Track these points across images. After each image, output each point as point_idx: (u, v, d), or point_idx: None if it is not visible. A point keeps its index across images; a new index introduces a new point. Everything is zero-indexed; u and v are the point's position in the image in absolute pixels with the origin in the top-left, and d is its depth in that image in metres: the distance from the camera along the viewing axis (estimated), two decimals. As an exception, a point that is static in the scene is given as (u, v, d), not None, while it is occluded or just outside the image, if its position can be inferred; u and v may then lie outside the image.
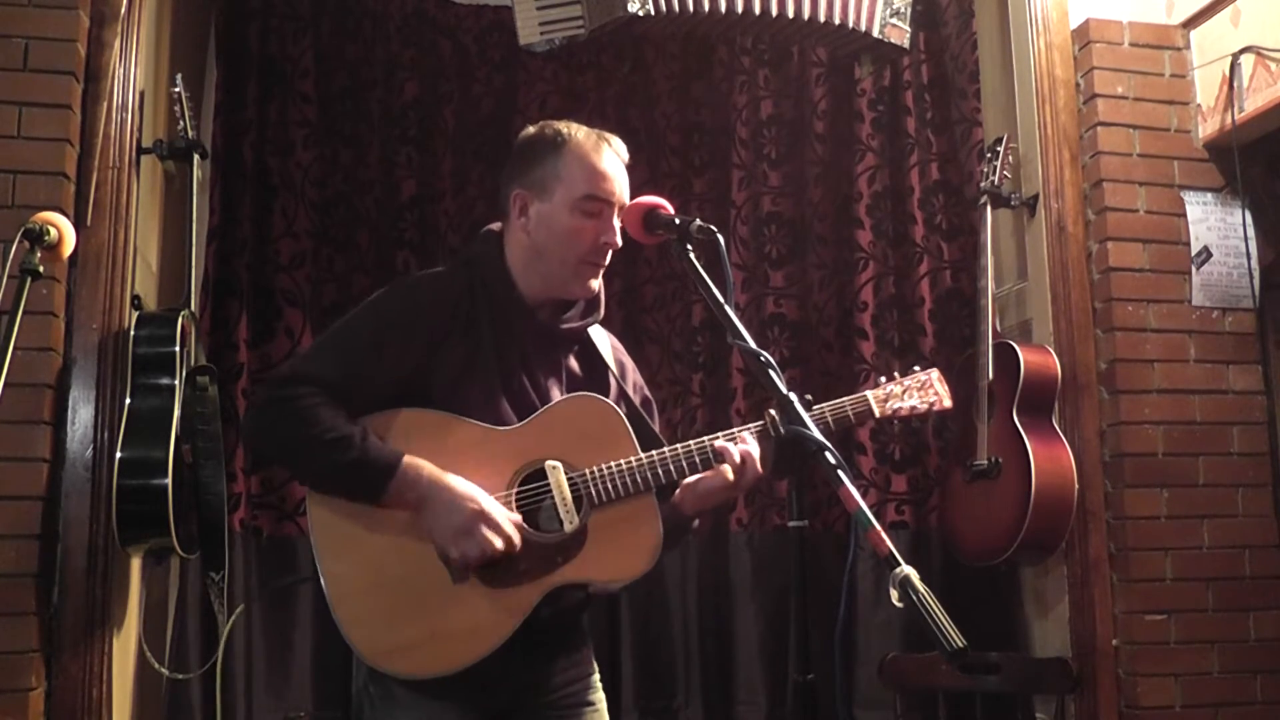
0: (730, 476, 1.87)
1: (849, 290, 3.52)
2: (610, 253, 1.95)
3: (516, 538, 1.79)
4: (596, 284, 1.97)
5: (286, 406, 1.82)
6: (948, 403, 2.08)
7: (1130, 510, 2.97)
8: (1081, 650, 2.96)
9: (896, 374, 2.08)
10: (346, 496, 1.82)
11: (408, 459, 1.79)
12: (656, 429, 2.05)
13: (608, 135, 1.98)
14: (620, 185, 1.94)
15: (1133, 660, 2.91)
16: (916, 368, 2.11)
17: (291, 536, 3.18)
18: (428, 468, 1.80)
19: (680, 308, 3.51)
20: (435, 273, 2.03)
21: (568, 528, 1.83)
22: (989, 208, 3.17)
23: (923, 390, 2.06)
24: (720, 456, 1.87)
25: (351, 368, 1.85)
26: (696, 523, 2.04)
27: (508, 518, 1.79)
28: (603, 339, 2.06)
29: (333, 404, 1.81)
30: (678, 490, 1.95)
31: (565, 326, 1.97)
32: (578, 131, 1.95)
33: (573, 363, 2.00)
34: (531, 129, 2.01)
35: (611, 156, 1.94)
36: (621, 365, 2.08)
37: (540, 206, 1.92)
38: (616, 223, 1.93)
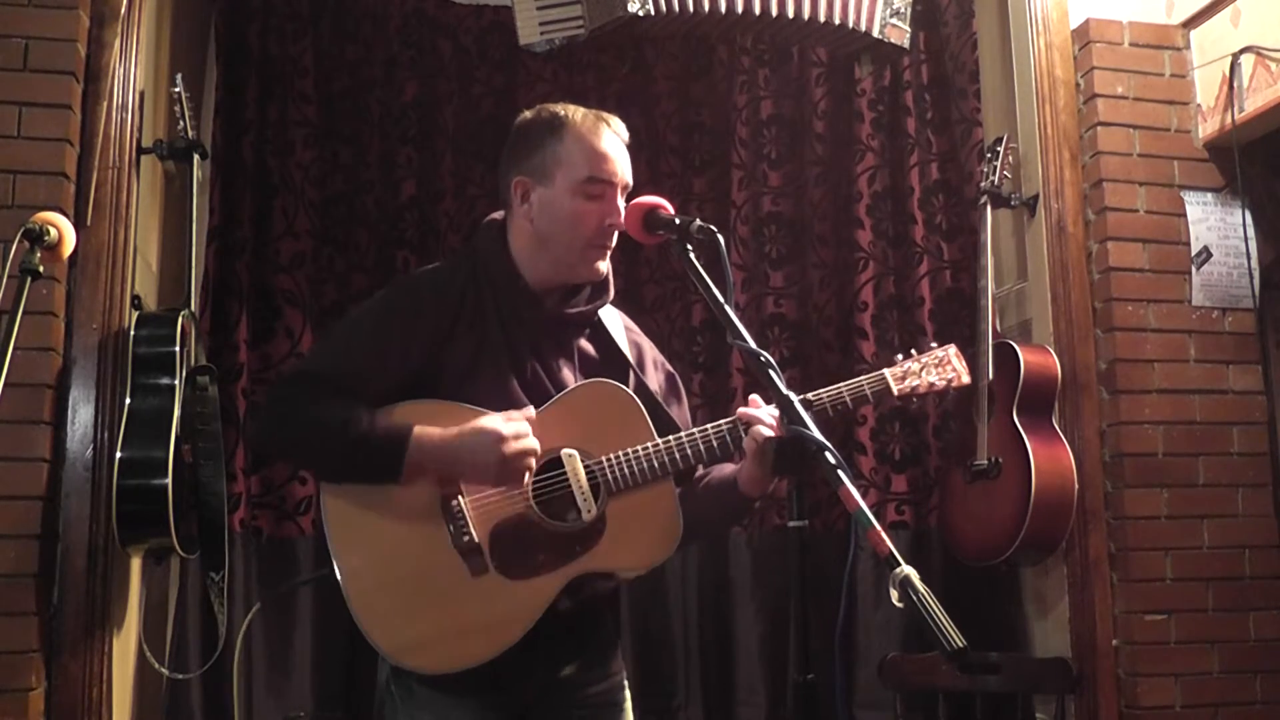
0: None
1: (849, 290, 3.51)
2: (616, 234, 1.91)
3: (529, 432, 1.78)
4: (604, 266, 1.93)
5: (291, 401, 1.81)
6: (966, 379, 2.01)
7: (1130, 510, 2.97)
8: (1081, 650, 2.96)
9: (914, 351, 2.02)
10: (364, 479, 1.79)
11: (417, 428, 1.76)
12: (684, 400, 2.03)
13: (606, 115, 1.94)
14: (622, 165, 1.90)
15: (1133, 660, 2.91)
16: (934, 344, 2.05)
17: (291, 537, 3.18)
18: (438, 430, 1.77)
19: (680, 308, 3.50)
20: (438, 267, 2.01)
21: (586, 516, 1.80)
22: (989, 208, 3.17)
23: (940, 367, 1.99)
24: (749, 434, 1.83)
25: (356, 364, 1.83)
26: (758, 503, 2.00)
27: (519, 420, 1.77)
28: (615, 320, 2.03)
29: (338, 396, 1.79)
30: (741, 468, 1.89)
31: (573, 311, 1.94)
32: (576, 113, 1.92)
33: (586, 346, 1.97)
34: (528, 113, 1.97)
35: (611, 137, 1.91)
36: (637, 346, 2.04)
37: (542, 192, 1.89)
38: (620, 203, 1.89)
